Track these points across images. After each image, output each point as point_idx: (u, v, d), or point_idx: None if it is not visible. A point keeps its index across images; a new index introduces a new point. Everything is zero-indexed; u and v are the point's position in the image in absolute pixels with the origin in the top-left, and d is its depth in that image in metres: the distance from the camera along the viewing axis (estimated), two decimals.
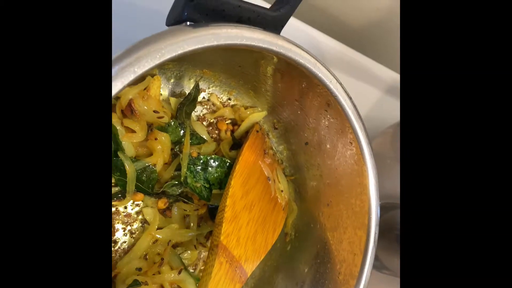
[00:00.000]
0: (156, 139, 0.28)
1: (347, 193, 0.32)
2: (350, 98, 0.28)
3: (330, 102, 0.29)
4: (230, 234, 0.29)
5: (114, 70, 0.19)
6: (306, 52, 0.26)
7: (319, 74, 0.27)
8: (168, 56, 0.20)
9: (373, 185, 0.30)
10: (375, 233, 0.30)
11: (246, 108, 0.35)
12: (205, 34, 0.22)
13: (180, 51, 0.21)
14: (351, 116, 0.28)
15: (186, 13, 0.24)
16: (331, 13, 0.59)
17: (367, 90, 0.49)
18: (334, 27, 0.61)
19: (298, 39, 0.41)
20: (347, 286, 0.31)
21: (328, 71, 0.27)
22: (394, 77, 0.50)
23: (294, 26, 0.41)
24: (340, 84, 0.28)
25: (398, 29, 0.62)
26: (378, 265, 0.43)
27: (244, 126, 0.35)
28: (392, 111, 0.50)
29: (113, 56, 0.20)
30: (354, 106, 0.28)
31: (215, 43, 0.22)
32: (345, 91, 0.28)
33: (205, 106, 0.34)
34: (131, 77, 0.19)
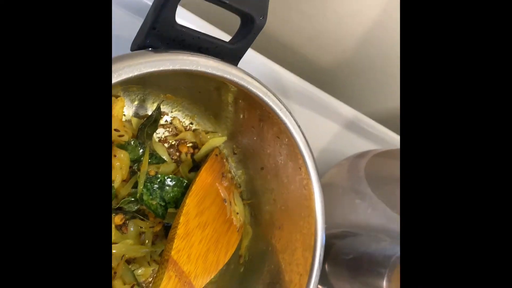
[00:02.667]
0: (115, 156, 0.30)
1: (297, 216, 0.34)
2: (299, 125, 0.31)
3: (281, 130, 0.31)
4: (181, 250, 0.30)
5: None
6: (258, 81, 0.29)
7: (270, 103, 0.29)
8: (124, 76, 0.22)
9: (319, 208, 0.32)
10: (320, 255, 0.32)
11: (207, 132, 0.37)
12: (162, 59, 0.24)
13: (136, 72, 0.23)
14: (300, 142, 0.31)
15: (148, 41, 0.26)
16: (297, 51, 0.63)
17: (326, 124, 0.52)
18: (299, 64, 0.65)
19: (262, 72, 0.45)
20: None
21: (279, 100, 0.30)
22: (352, 113, 0.53)
23: (259, 61, 0.44)
24: (289, 112, 0.30)
25: (362, 70, 0.67)
26: None
27: (204, 149, 0.37)
28: (349, 145, 0.53)
29: None
30: (302, 132, 0.31)
31: (170, 67, 0.24)
32: (294, 119, 0.31)
33: (167, 129, 0.36)
34: None
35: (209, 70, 0.26)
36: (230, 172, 0.39)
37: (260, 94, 0.29)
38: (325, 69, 0.68)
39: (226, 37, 0.33)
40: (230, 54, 0.29)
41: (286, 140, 0.32)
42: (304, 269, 0.32)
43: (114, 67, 0.22)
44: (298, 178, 0.33)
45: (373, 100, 0.71)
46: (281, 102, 0.30)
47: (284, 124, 0.30)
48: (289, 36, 0.62)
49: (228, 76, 0.27)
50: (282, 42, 0.63)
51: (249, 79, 0.28)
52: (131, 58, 0.23)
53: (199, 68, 0.26)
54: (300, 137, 0.31)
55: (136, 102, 0.33)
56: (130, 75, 0.22)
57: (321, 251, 0.32)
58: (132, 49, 0.28)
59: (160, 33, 0.26)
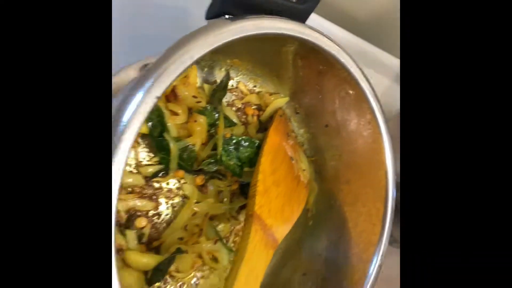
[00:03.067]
0: (195, 121, 0.31)
1: (366, 171, 0.35)
2: (368, 81, 0.31)
3: (350, 85, 0.32)
4: (263, 206, 0.32)
5: (174, 57, 0.22)
6: (331, 39, 0.29)
7: (342, 60, 0.30)
8: (217, 44, 0.23)
9: (390, 161, 0.33)
10: (392, 204, 0.33)
11: (270, 94, 0.38)
12: (246, 25, 0.25)
13: (226, 39, 0.24)
14: (370, 97, 0.32)
15: (224, 7, 0.27)
16: (339, 6, 0.62)
17: (377, 78, 0.52)
18: (342, 19, 0.64)
19: None
20: (367, 254, 0.34)
21: (350, 56, 0.30)
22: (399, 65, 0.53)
23: (310, 18, 0.44)
24: (360, 68, 0.31)
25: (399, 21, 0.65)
26: (392, 240, 0.46)
27: (268, 111, 0.38)
28: (399, 97, 0.54)
29: (171, 45, 0.23)
30: (372, 87, 0.32)
31: (254, 32, 0.25)
32: (364, 74, 0.31)
33: (234, 93, 0.37)
34: (188, 62, 0.22)
35: (287, 32, 0.27)
36: (293, 131, 0.40)
37: (334, 52, 0.29)
38: (366, 22, 0.67)
39: None
40: (298, 14, 0.29)
41: (354, 96, 0.33)
42: (377, 218, 0.33)
43: (206, 36, 0.23)
44: (366, 133, 0.34)
45: None
46: (352, 59, 0.30)
47: (355, 80, 0.31)
48: None
49: (304, 37, 0.28)
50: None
51: (323, 38, 0.29)
52: (218, 27, 0.24)
53: (278, 31, 0.26)
54: (370, 92, 0.32)
55: (205, 69, 0.34)
56: (221, 42, 0.23)
57: (393, 202, 0.33)
58: (208, 17, 0.28)
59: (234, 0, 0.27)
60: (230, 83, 0.37)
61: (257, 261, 0.29)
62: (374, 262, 0.33)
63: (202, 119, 0.32)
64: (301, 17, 0.30)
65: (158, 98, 0.21)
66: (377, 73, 0.52)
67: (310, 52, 0.31)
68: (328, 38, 0.29)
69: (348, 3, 0.63)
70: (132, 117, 0.21)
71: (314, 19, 0.45)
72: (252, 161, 0.35)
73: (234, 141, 0.34)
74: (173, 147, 0.31)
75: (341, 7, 0.63)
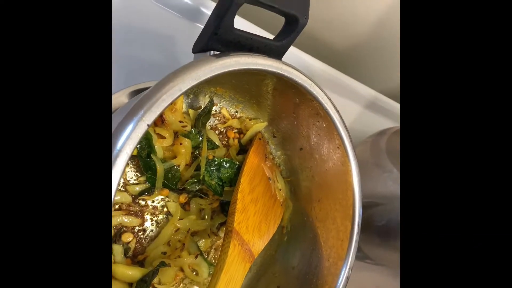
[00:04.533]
0: (181, 144, 0.34)
1: (335, 190, 0.39)
2: (337, 111, 0.35)
3: (321, 114, 0.36)
4: (241, 222, 0.35)
5: (164, 89, 0.25)
6: (303, 74, 0.33)
7: (313, 92, 0.33)
8: (203, 78, 0.26)
9: (357, 182, 0.37)
10: (359, 222, 0.37)
11: (250, 119, 0.42)
12: (229, 61, 0.28)
13: (210, 74, 0.27)
14: (338, 125, 0.35)
15: (210, 44, 0.30)
16: (317, 37, 0.67)
17: (348, 105, 0.57)
18: (320, 50, 0.69)
19: (291, 61, 0.49)
20: (335, 267, 0.37)
21: (320, 89, 0.34)
22: (371, 93, 0.58)
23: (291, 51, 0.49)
24: (330, 99, 0.35)
25: (376, 51, 0.70)
26: (361, 256, 0.49)
27: (248, 134, 0.41)
28: (370, 123, 0.58)
29: (163, 77, 0.26)
30: (340, 116, 0.35)
31: (236, 68, 0.29)
32: (333, 105, 0.35)
33: (217, 118, 0.40)
34: (177, 94, 0.25)
35: (265, 68, 0.30)
36: (271, 153, 0.43)
37: (306, 85, 0.33)
38: (341, 52, 0.72)
39: (267, 35, 0.37)
40: (276, 50, 0.33)
41: (325, 123, 0.36)
42: (344, 235, 0.37)
43: (194, 71, 0.26)
44: (336, 156, 0.38)
45: (388, 78, 0.74)
46: (322, 91, 0.34)
47: (325, 110, 0.35)
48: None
49: (280, 72, 0.31)
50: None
51: (297, 73, 0.32)
52: (205, 63, 0.27)
53: (257, 67, 0.30)
54: (338, 121, 0.35)
55: (191, 96, 0.38)
56: (207, 76, 0.27)
57: (359, 219, 0.37)
58: (195, 51, 0.32)
59: (220, 37, 0.30)
60: (214, 108, 0.40)
61: (235, 273, 0.32)
62: (342, 275, 0.36)
63: (187, 142, 0.35)
64: (278, 54, 0.34)
65: (149, 126, 0.24)
66: (350, 101, 0.57)
67: (286, 85, 0.34)
68: (302, 73, 0.33)
69: (326, 34, 0.67)
70: (126, 143, 0.24)
71: (291, 51, 0.49)
72: (232, 181, 0.38)
73: (216, 162, 0.37)
74: (160, 167, 0.33)
75: (319, 38, 0.67)
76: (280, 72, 0.31)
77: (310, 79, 0.33)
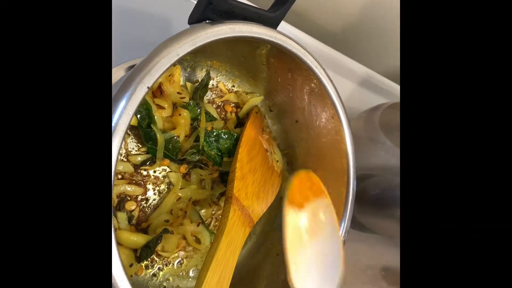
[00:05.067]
0: (179, 114, 0.35)
1: (330, 159, 0.40)
2: (331, 80, 0.36)
3: (315, 84, 0.37)
4: (240, 189, 0.36)
5: (162, 53, 0.26)
6: (298, 43, 0.34)
7: (307, 61, 0.35)
8: (199, 43, 0.28)
9: (350, 148, 0.38)
10: (353, 186, 0.38)
11: (247, 93, 0.43)
12: (224, 28, 0.29)
13: (206, 40, 0.28)
14: (332, 94, 0.36)
15: (205, 13, 0.31)
16: (311, 18, 0.68)
17: (343, 83, 0.58)
18: (314, 32, 0.70)
19: None
20: None
21: (314, 59, 0.35)
22: (366, 71, 0.59)
23: (281, 27, 0.49)
24: (323, 68, 0.36)
25: (369, 31, 0.71)
26: (358, 226, 0.51)
27: (245, 108, 0.42)
28: (364, 100, 0.59)
29: (160, 43, 0.27)
30: (334, 86, 0.36)
31: (230, 35, 0.30)
32: (327, 74, 0.36)
33: (214, 92, 0.41)
34: (175, 58, 0.27)
35: (259, 35, 0.31)
36: (268, 127, 0.44)
37: (300, 54, 0.34)
38: (334, 32, 0.73)
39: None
40: (270, 21, 0.34)
41: (319, 93, 0.38)
42: (339, 201, 0.38)
43: (190, 37, 0.27)
44: (330, 126, 0.39)
45: (381, 58, 0.75)
46: (316, 60, 0.35)
47: (319, 79, 0.36)
48: (301, 2, 0.66)
49: (274, 40, 0.32)
50: (293, 9, 0.67)
51: (291, 42, 0.33)
52: (201, 29, 0.28)
53: (252, 34, 0.31)
54: (332, 90, 0.36)
55: (188, 70, 0.39)
56: (203, 42, 0.28)
57: (354, 185, 0.38)
58: (190, 22, 0.33)
59: (215, 7, 0.31)
60: (211, 83, 0.41)
61: (235, 236, 0.33)
62: None
63: (185, 113, 0.36)
64: (273, 24, 0.35)
65: (149, 88, 0.25)
66: (344, 78, 0.58)
67: (280, 54, 0.35)
68: (296, 42, 0.34)
69: (319, 15, 0.68)
70: (127, 104, 0.25)
71: (286, 28, 0.50)
72: (231, 151, 0.39)
73: (214, 133, 0.38)
74: (160, 137, 0.34)
75: (313, 19, 0.68)
76: (274, 40, 0.32)
77: (304, 48, 0.34)
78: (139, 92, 0.25)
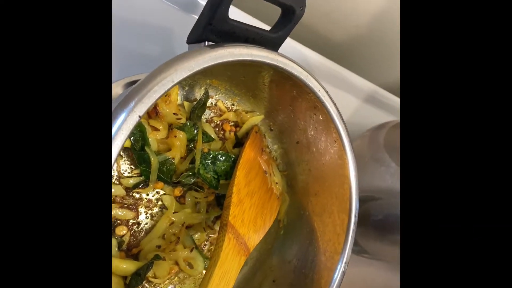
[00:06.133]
0: (175, 136, 0.34)
1: (332, 184, 0.38)
2: (334, 104, 0.35)
3: (318, 107, 0.35)
4: (236, 216, 0.34)
5: (156, 80, 0.25)
6: (300, 66, 0.32)
7: (310, 84, 0.33)
8: (197, 69, 0.26)
9: (353, 176, 0.36)
10: (355, 215, 0.36)
11: (246, 112, 0.41)
12: (223, 52, 0.28)
13: (204, 65, 0.27)
14: (335, 118, 0.35)
15: (204, 34, 0.30)
16: (316, 30, 0.66)
17: (347, 99, 0.56)
18: (318, 43, 0.68)
19: (288, 54, 0.48)
20: (332, 261, 0.37)
21: (317, 81, 0.33)
22: (370, 87, 0.57)
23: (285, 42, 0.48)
24: (327, 92, 0.34)
25: (375, 44, 0.70)
26: (358, 250, 0.49)
27: (245, 127, 0.41)
28: (369, 117, 0.57)
29: (155, 68, 0.26)
30: (338, 110, 0.35)
31: (230, 59, 0.28)
32: (330, 98, 0.35)
33: (213, 110, 0.40)
34: (170, 85, 0.25)
35: (260, 59, 0.30)
36: (268, 147, 0.43)
37: (302, 77, 0.32)
38: (339, 45, 0.71)
39: (263, 26, 0.36)
40: (272, 42, 0.33)
41: (322, 116, 0.36)
42: (341, 228, 0.37)
43: (188, 62, 0.26)
44: (333, 150, 0.37)
45: (387, 72, 0.74)
46: (319, 83, 0.34)
47: (322, 102, 0.34)
48: (305, 13, 0.65)
49: (275, 63, 0.31)
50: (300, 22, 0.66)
51: (293, 64, 0.32)
52: (199, 53, 0.27)
53: (253, 58, 0.29)
54: (335, 114, 0.35)
55: (186, 88, 0.37)
56: (201, 67, 0.26)
57: (356, 212, 0.36)
58: (189, 42, 0.31)
59: (215, 28, 0.29)
60: (209, 101, 0.39)
61: (229, 266, 0.32)
62: (338, 269, 0.36)
63: (181, 135, 0.34)
64: (274, 45, 0.33)
65: (140, 117, 0.24)
66: (348, 94, 0.56)
67: (282, 77, 0.34)
68: (298, 65, 0.32)
69: (324, 26, 0.67)
70: (116, 134, 0.23)
71: (288, 43, 0.48)
72: (228, 174, 0.38)
73: (211, 155, 0.37)
74: (154, 160, 0.33)
75: (316, 31, 0.67)
76: (276, 63, 0.31)
77: (306, 71, 0.33)
78: (130, 121, 0.24)
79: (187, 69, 0.26)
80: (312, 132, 0.39)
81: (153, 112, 0.33)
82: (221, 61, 0.27)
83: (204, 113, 0.39)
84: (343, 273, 0.36)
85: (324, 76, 0.52)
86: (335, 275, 0.36)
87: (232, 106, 0.41)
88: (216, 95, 0.39)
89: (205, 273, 0.31)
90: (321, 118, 0.36)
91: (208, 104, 0.39)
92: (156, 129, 0.33)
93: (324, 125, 0.37)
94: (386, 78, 0.75)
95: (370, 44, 0.71)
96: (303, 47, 0.50)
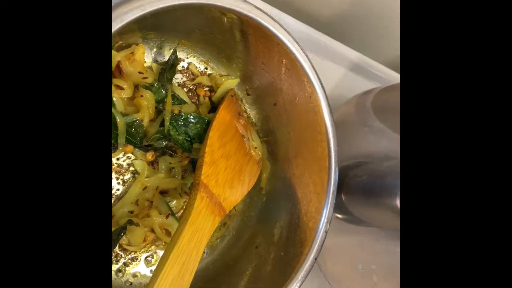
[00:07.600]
0: (142, 96, 0.33)
1: (310, 143, 0.37)
2: (307, 55, 0.33)
3: (290, 60, 0.34)
4: (210, 176, 0.33)
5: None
6: (265, 13, 0.31)
7: (278, 34, 0.32)
8: (148, 9, 0.25)
9: (331, 132, 0.35)
10: (335, 171, 0.35)
11: (221, 76, 0.40)
12: None
13: (161, 5, 0.26)
14: (307, 70, 0.33)
15: None
16: (302, 8, 0.65)
17: (332, 68, 0.54)
18: (303, 16, 0.67)
19: None
20: (314, 221, 0.35)
21: (285, 30, 0.32)
22: (356, 55, 0.55)
23: (265, 9, 0.47)
24: (297, 42, 0.33)
25: (361, 19, 0.68)
26: (348, 219, 0.47)
27: (220, 91, 0.39)
28: (355, 85, 0.56)
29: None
30: (310, 61, 0.33)
31: (191, 1, 0.27)
32: (302, 50, 0.33)
33: (185, 74, 0.38)
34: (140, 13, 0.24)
35: (219, 3, 0.28)
36: (245, 112, 0.42)
37: (268, 25, 0.31)
38: (326, 22, 0.70)
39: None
40: None
41: (294, 70, 0.35)
42: (321, 188, 0.35)
43: (134, 3, 0.25)
44: (310, 105, 0.36)
45: (375, 45, 0.72)
46: (287, 31, 0.32)
47: (293, 54, 0.33)
48: None
49: (237, 9, 0.29)
50: None
51: (257, 12, 0.30)
52: None
53: (211, 2, 0.28)
54: (306, 63, 0.33)
55: (154, 49, 0.36)
56: (155, 8, 0.25)
57: (336, 168, 0.35)
58: None
59: None
60: (181, 64, 0.38)
61: (202, 224, 0.30)
62: (319, 229, 0.34)
63: (148, 94, 0.33)
64: None
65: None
66: (334, 63, 0.55)
67: (250, 29, 0.32)
68: (266, 14, 0.31)
69: (309, 2, 0.65)
70: None
71: (272, 12, 0.47)
72: (202, 137, 0.37)
73: (182, 117, 0.35)
74: (120, 121, 0.32)
75: (303, 8, 0.65)
76: (237, 9, 0.29)
77: (275, 20, 0.32)
78: None
79: (140, 10, 0.25)
80: (287, 91, 0.37)
81: (116, 71, 0.32)
82: (177, 3, 0.26)
83: (176, 77, 0.38)
84: (325, 232, 0.34)
85: (307, 45, 0.51)
86: (317, 235, 0.34)
87: (206, 70, 0.40)
88: (187, 58, 0.38)
89: (175, 231, 0.30)
90: (293, 72, 0.35)
91: (180, 67, 0.38)
92: (121, 88, 0.32)
93: (298, 80, 0.35)
94: (374, 50, 0.73)
95: (356, 18, 0.70)
96: (286, 16, 0.48)
